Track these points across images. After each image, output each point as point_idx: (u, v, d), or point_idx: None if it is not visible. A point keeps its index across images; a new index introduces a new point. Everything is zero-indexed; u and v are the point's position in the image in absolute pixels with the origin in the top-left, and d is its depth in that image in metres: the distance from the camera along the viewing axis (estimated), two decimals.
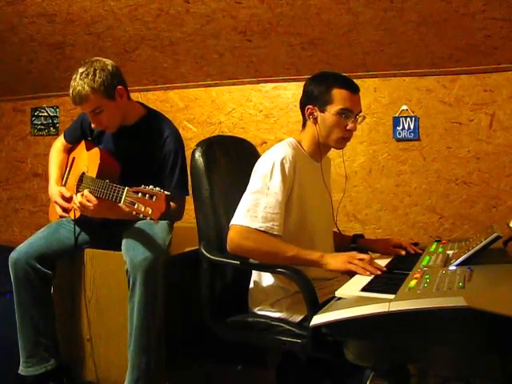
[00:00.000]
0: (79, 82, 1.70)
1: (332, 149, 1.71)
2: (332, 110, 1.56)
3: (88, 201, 1.68)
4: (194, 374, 1.88)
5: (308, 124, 1.65)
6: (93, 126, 1.80)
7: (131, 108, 1.90)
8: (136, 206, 1.51)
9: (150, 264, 1.63)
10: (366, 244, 1.81)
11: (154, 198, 1.49)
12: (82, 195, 1.69)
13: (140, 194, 1.52)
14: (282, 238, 1.48)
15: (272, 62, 2.84)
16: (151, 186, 1.52)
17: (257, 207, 1.46)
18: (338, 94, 1.56)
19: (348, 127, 1.57)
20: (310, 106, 1.61)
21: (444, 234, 2.66)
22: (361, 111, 1.62)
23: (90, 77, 1.71)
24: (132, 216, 1.80)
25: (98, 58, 1.80)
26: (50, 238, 1.82)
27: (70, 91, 1.73)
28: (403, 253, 1.63)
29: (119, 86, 1.79)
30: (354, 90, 1.59)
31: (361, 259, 1.38)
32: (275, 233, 1.45)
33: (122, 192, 1.58)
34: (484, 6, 2.18)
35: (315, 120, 1.61)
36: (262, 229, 1.44)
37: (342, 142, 1.62)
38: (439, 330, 0.99)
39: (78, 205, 1.69)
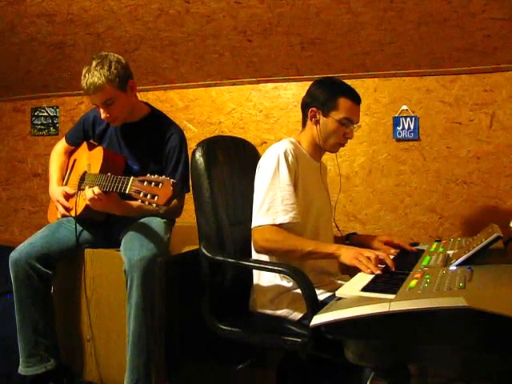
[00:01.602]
0: (94, 73, 1.72)
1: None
2: (335, 116, 1.64)
3: (98, 198, 1.67)
4: (194, 374, 1.88)
5: (308, 125, 1.72)
6: (102, 116, 1.80)
7: (137, 105, 1.92)
8: (142, 194, 1.52)
9: (146, 264, 1.63)
10: (357, 240, 1.87)
11: (161, 185, 1.50)
12: (93, 192, 1.67)
13: (146, 183, 1.53)
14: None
15: (272, 62, 2.83)
16: (156, 175, 1.54)
17: (275, 203, 1.52)
18: (343, 102, 1.64)
19: (346, 135, 1.68)
20: (314, 109, 1.68)
21: (444, 234, 2.66)
22: (358, 121, 1.71)
23: (105, 68, 1.74)
24: (139, 212, 1.81)
25: (108, 52, 1.82)
26: (51, 238, 1.82)
27: (84, 81, 1.74)
28: (392, 251, 1.65)
29: (130, 80, 1.83)
30: (357, 101, 1.69)
31: (368, 257, 1.39)
32: (298, 221, 1.54)
33: (128, 181, 1.59)
34: (484, 6, 2.18)
35: (317, 122, 1.68)
36: (286, 221, 1.52)
37: (337, 147, 1.72)
38: (439, 330, 0.99)
39: (89, 198, 1.68)
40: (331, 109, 1.64)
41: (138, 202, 1.55)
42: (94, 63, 1.75)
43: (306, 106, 1.72)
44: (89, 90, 1.73)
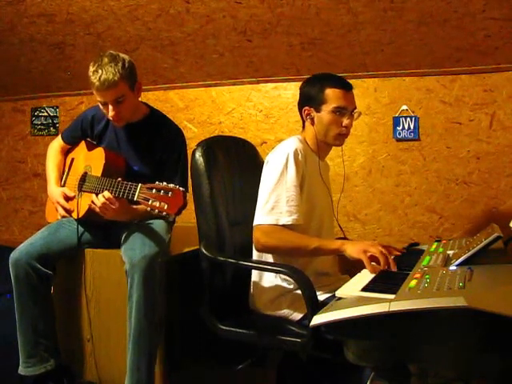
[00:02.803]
0: (108, 69, 1.69)
1: (332, 148, 1.77)
2: (327, 108, 1.63)
3: (110, 203, 1.64)
4: (194, 374, 1.88)
5: (306, 125, 1.73)
6: (110, 114, 1.76)
7: (138, 106, 1.91)
8: (150, 202, 1.49)
9: (147, 264, 1.62)
10: None
11: (170, 193, 1.48)
12: (104, 197, 1.64)
13: (154, 190, 1.50)
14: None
15: (272, 62, 2.83)
16: (165, 183, 1.51)
17: (280, 203, 1.51)
18: (331, 93, 1.63)
19: (343, 124, 1.65)
20: (307, 108, 1.69)
21: (444, 234, 2.66)
22: (356, 107, 1.68)
23: (119, 65, 1.72)
24: (145, 217, 1.79)
25: (117, 52, 1.80)
26: (51, 238, 1.82)
27: (96, 77, 1.69)
28: (393, 250, 1.63)
29: (138, 81, 1.83)
30: (346, 88, 1.66)
31: (371, 255, 1.39)
32: (300, 223, 1.52)
33: (136, 189, 1.56)
34: (484, 6, 2.18)
35: (312, 120, 1.68)
36: (290, 223, 1.50)
37: (339, 138, 1.69)
38: (439, 330, 0.99)
39: (100, 205, 1.65)
40: (321, 103, 1.64)
41: (144, 207, 1.53)
42: (106, 59, 1.72)
43: (300, 106, 1.73)
44: (102, 85, 1.69)
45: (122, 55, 1.78)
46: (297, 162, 1.55)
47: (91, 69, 1.73)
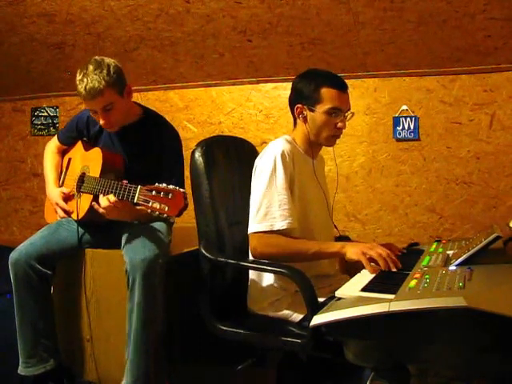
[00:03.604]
0: (94, 77, 1.66)
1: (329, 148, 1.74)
2: (321, 109, 1.57)
3: (115, 206, 1.63)
4: (194, 374, 1.87)
5: (298, 123, 1.67)
6: (101, 123, 1.75)
7: (131, 108, 1.90)
8: (150, 204, 1.48)
9: (148, 264, 1.62)
10: None
11: (171, 195, 1.46)
12: (109, 200, 1.63)
13: (154, 192, 1.49)
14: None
15: (272, 62, 2.84)
16: (164, 184, 1.50)
17: (272, 208, 1.47)
18: (326, 93, 1.57)
19: (338, 126, 1.59)
20: (300, 105, 1.63)
21: (444, 234, 2.66)
22: (349, 108, 1.62)
23: (104, 72, 1.68)
24: (148, 218, 1.78)
25: (102, 57, 1.77)
26: (50, 238, 1.82)
27: (82, 86, 1.67)
28: (394, 249, 1.62)
29: (127, 85, 1.80)
30: (342, 88, 1.60)
31: (370, 256, 1.37)
32: (295, 227, 1.49)
33: (135, 191, 1.55)
34: (484, 6, 2.18)
35: (305, 119, 1.63)
36: (284, 227, 1.46)
37: (331, 140, 1.65)
38: (439, 330, 0.99)
39: (105, 207, 1.64)
40: (316, 102, 1.57)
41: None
42: (92, 67, 1.69)
43: (291, 103, 1.67)
44: (88, 94, 1.67)
45: (106, 60, 1.73)
46: (285, 165, 1.50)
47: (77, 77, 1.70)
